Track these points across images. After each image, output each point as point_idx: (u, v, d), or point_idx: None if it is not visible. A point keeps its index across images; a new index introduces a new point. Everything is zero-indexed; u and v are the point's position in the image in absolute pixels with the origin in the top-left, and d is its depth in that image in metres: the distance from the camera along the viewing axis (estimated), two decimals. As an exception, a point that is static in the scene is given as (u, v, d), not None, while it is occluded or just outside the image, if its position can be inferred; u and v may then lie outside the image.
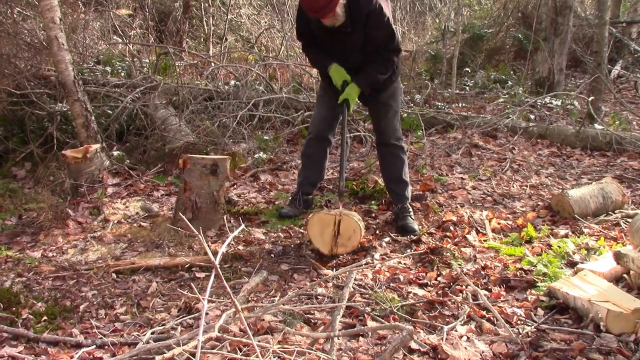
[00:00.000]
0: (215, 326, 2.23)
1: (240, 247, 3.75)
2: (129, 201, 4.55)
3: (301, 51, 4.61)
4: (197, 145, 5.29)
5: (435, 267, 3.39)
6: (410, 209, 4.12)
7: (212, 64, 8.00)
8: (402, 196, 4.13)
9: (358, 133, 6.18)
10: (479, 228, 3.99)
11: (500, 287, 3.16)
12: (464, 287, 3.13)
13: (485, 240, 3.81)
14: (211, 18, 10.93)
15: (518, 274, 3.28)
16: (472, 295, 3.04)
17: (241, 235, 3.88)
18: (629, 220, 3.87)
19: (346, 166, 4.10)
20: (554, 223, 4.09)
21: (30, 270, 3.47)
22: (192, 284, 3.24)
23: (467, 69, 9.92)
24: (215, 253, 3.35)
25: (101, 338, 2.67)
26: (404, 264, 3.51)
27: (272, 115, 6.46)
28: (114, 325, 2.86)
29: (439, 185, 4.89)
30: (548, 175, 5.23)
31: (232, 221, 4.13)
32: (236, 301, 2.17)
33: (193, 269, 3.46)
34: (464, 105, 8.03)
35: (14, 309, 2.94)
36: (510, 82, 9.13)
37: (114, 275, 3.39)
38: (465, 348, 2.54)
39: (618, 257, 3.02)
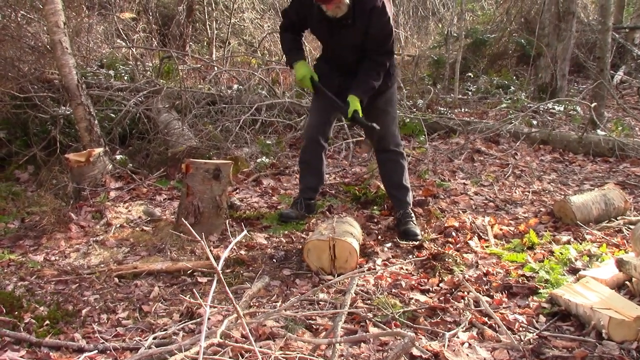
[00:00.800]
0: (217, 332, 2.23)
1: (243, 252, 3.75)
2: (132, 205, 4.55)
3: (278, 28, 4.59)
4: (199, 150, 5.30)
5: (437, 273, 3.38)
6: (412, 214, 4.12)
7: (215, 68, 8.04)
8: (404, 202, 4.13)
9: (360, 138, 6.18)
10: (481, 234, 3.99)
11: (502, 294, 3.15)
12: (465, 293, 3.13)
13: (487, 246, 3.80)
14: (214, 22, 10.97)
15: (520, 280, 3.27)
16: (474, 302, 3.03)
17: (243, 240, 3.89)
18: (632, 227, 3.87)
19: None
20: (556, 229, 4.09)
21: (32, 274, 3.47)
22: (194, 289, 3.24)
23: (470, 74, 9.93)
24: (217, 258, 3.35)
25: (103, 343, 2.67)
26: (406, 269, 3.51)
27: (274, 120, 6.48)
28: (116, 330, 2.86)
29: (441, 190, 4.88)
30: (550, 181, 5.23)
31: (234, 226, 4.14)
32: (238, 307, 2.17)
33: (195, 273, 3.46)
34: (466, 110, 8.03)
35: (16, 313, 2.94)
36: (512, 88, 9.12)
37: (116, 279, 3.39)
38: (467, 355, 2.54)
39: (620, 264, 3.02)
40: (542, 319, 2.89)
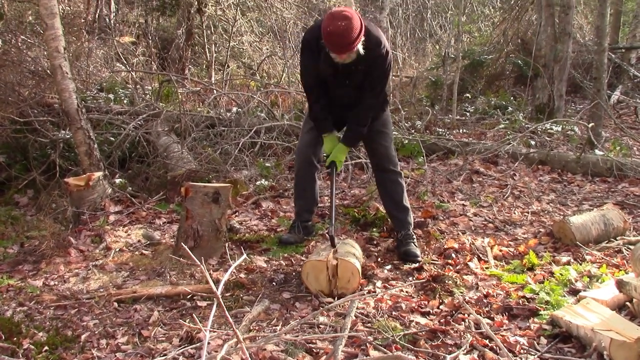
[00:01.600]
0: (217, 356, 2.22)
1: (242, 275, 3.74)
2: (131, 229, 4.55)
3: (302, 88, 4.68)
4: (199, 173, 5.31)
5: (437, 295, 3.37)
6: (414, 235, 4.12)
7: (214, 91, 8.08)
8: (405, 222, 4.13)
9: (359, 160, 6.20)
10: (480, 255, 3.99)
11: (502, 316, 3.14)
12: (466, 315, 3.11)
13: (487, 268, 3.80)
14: (213, 45, 11.06)
15: (520, 302, 3.26)
16: (475, 324, 3.02)
17: (243, 263, 3.88)
18: (631, 247, 3.87)
19: (335, 202, 4.14)
20: (555, 250, 4.09)
21: (31, 300, 3.46)
22: (193, 313, 3.23)
23: (468, 94, 10.01)
24: (217, 282, 3.34)
25: (102, 368, 2.65)
26: (406, 292, 3.50)
27: (273, 142, 6.50)
28: (115, 356, 2.84)
29: (440, 212, 4.89)
30: (549, 202, 5.24)
31: (233, 249, 4.13)
32: (238, 331, 2.17)
33: (195, 297, 3.44)
34: (464, 131, 8.07)
35: (15, 339, 2.92)
36: (510, 108, 9.18)
37: (115, 304, 3.38)
38: (468, 378, 2.52)
39: (620, 285, 3.01)
40: (543, 340, 2.87)
